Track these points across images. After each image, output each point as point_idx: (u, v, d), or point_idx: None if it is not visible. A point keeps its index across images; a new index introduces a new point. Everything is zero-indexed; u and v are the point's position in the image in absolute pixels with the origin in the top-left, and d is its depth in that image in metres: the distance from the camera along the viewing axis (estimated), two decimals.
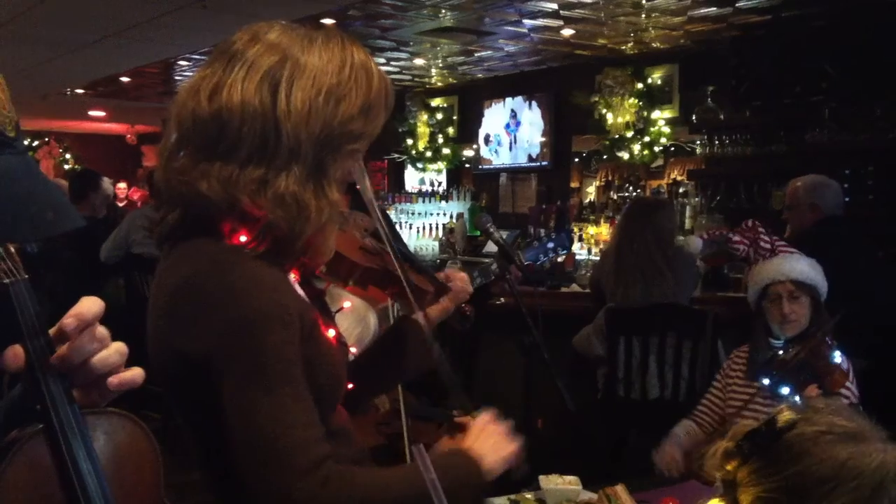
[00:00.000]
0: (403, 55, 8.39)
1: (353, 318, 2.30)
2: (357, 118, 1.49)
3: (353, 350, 1.87)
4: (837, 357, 2.93)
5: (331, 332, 1.63)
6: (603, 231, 7.86)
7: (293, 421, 1.37)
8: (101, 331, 1.14)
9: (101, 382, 1.15)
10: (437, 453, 1.60)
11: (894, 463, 1.20)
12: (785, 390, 2.84)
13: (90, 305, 1.13)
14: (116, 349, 1.15)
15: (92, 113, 13.58)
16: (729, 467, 1.28)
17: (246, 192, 1.41)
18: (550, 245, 3.28)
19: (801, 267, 3.16)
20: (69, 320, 1.11)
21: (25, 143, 1.11)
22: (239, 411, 1.36)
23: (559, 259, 3.46)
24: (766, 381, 2.96)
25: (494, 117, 9.59)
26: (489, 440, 1.61)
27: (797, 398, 2.75)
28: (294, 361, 1.40)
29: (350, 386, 1.65)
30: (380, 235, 1.80)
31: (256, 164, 1.42)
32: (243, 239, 1.44)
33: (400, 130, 10.25)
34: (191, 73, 9.39)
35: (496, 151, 9.59)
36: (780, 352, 3.05)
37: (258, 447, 1.35)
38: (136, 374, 1.17)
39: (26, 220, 1.05)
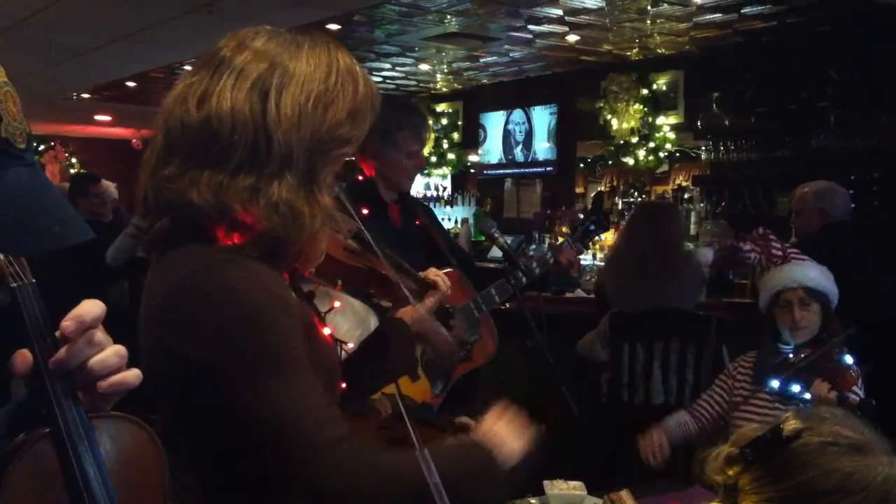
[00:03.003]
0: (409, 61, 8.41)
1: (354, 321, 2.30)
2: (345, 123, 1.49)
3: (349, 345, 1.88)
4: (848, 358, 2.92)
5: (326, 331, 1.64)
6: (607, 236, 7.85)
7: (309, 405, 1.38)
8: (100, 335, 1.14)
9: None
10: (448, 445, 1.59)
11: None
12: (795, 388, 2.84)
13: (90, 308, 1.13)
14: (115, 351, 1.16)
15: (97, 117, 13.61)
16: (731, 472, 1.27)
17: (238, 201, 1.40)
18: (592, 228, 3.40)
19: (812, 274, 3.16)
20: (68, 323, 1.11)
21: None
22: (254, 405, 1.36)
23: (599, 238, 3.57)
24: (775, 384, 2.95)
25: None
26: (501, 432, 1.61)
27: (807, 395, 2.74)
28: (300, 350, 1.41)
29: (342, 386, 1.65)
30: (362, 237, 1.82)
31: (248, 173, 1.42)
32: (237, 241, 1.44)
33: None
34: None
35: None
36: (790, 356, 3.04)
37: (278, 436, 1.36)
38: (128, 375, 1.17)
39: (33, 234, 1.05)
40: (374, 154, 3.14)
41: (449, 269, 3.04)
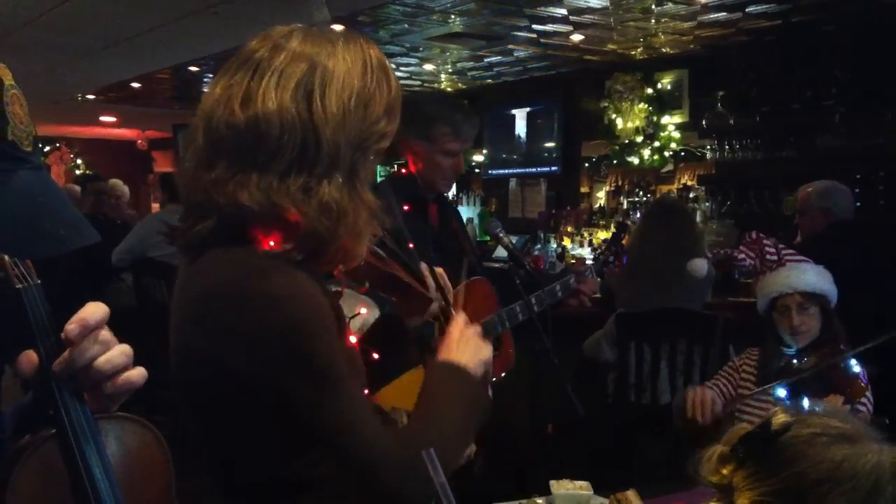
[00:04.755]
0: (413, 61, 8.41)
1: (357, 320, 2.29)
2: (382, 118, 1.51)
3: (375, 356, 1.87)
4: (855, 366, 2.89)
5: (352, 339, 1.64)
6: (608, 235, 7.84)
7: (366, 417, 1.43)
8: (105, 334, 1.14)
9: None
10: (428, 374, 1.66)
11: (890, 463, 1.20)
12: (805, 402, 2.82)
13: (94, 311, 1.13)
14: (121, 351, 1.16)
15: (103, 118, 13.64)
16: (724, 471, 1.27)
17: (290, 201, 1.40)
18: (612, 260, 3.48)
19: (808, 278, 3.11)
20: (72, 326, 1.11)
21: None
22: (316, 422, 1.39)
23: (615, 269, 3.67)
24: (781, 393, 2.93)
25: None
26: (468, 347, 1.69)
27: (817, 409, 2.72)
28: (343, 360, 1.43)
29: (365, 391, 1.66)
30: (385, 242, 1.82)
31: (297, 173, 1.42)
32: (274, 244, 1.43)
33: None
34: (202, 80, 9.43)
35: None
36: (794, 361, 3.02)
37: (350, 453, 1.41)
38: (132, 375, 1.17)
39: (40, 237, 1.05)
40: (411, 148, 3.08)
41: (479, 279, 3.04)
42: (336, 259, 1.50)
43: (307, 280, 1.42)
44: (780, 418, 1.24)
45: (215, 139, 1.44)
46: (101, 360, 1.13)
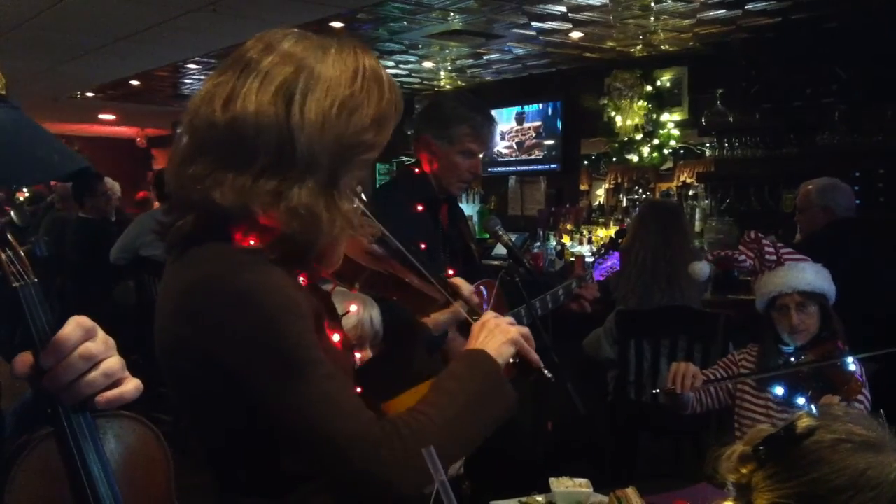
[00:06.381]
0: (412, 58, 8.40)
1: (353, 317, 2.29)
2: (369, 129, 1.50)
3: (357, 356, 1.88)
4: (851, 364, 2.89)
5: (336, 337, 1.64)
6: (607, 233, 7.84)
7: (337, 398, 1.42)
8: (90, 349, 1.12)
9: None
10: (453, 364, 1.65)
11: None
12: (800, 401, 2.81)
13: (70, 334, 1.11)
14: (104, 371, 1.14)
15: (102, 116, 13.62)
16: (744, 471, 1.27)
17: (259, 204, 1.42)
18: (611, 264, 3.52)
19: (807, 277, 3.11)
20: (49, 358, 1.10)
21: None
22: (285, 408, 1.39)
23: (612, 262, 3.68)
24: (779, 391, 2.93)
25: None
26: (492, 336, 1.69)
27: (813, 408, 2.72)
28: (316, 345, 1.43)
29: (358, 390, 1.65)
30: (386, 242, 1.82)
31: (270, 176, 1.43)
32: (253, 243, 1.45)
33: (409, 133, 10.22)
34: (201, 77, 9.41)
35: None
36: (792, 359, 3.02)
37: (312, 434, 1.39)
38: (126, 390, 1.16)
39: (35, 163, 1.07)
40: (428, 147, 3.04)
41: (488, 280, 3.03)
42: (313, 263, 1.51)
43: (280, 275, 1.43)
44: (805, 422, 1.23)
45: (197, 136, 1.47)
46: (83, 382, 1.12)
